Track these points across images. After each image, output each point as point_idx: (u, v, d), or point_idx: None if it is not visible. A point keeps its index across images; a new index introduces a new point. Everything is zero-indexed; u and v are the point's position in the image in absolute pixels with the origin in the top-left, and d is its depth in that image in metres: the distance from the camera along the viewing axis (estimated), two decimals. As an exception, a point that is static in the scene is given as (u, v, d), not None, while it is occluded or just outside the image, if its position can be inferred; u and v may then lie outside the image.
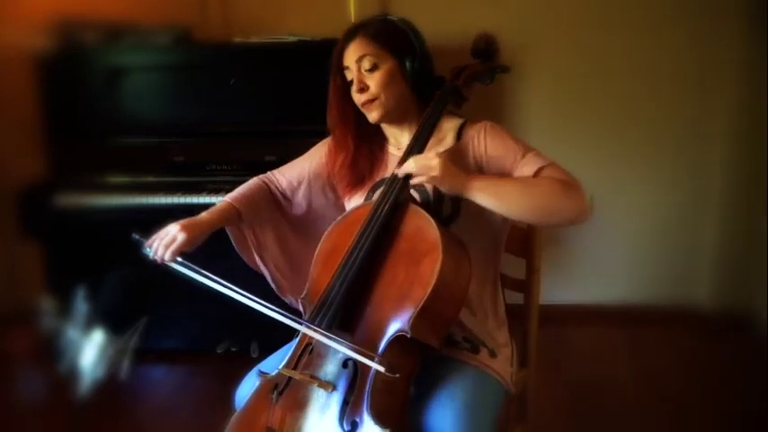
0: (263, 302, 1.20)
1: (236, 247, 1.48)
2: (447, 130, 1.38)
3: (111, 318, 2.42)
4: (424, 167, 1.19)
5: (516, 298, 1.56)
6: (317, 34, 2.52)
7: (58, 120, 2.52)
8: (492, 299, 1.40)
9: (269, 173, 1.55)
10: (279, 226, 1.52)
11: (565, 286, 2.97)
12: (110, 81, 2.50)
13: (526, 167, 1.27)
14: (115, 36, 2.55)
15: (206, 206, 2.34)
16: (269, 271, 1.51)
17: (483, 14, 2.73)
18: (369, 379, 1.14)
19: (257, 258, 1.49)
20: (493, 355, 1.35)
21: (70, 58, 2.49)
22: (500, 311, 1.43)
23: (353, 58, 1.33)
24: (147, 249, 1.31)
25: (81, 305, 2.39)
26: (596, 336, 2.84)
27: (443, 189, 1.22)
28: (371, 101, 1.33)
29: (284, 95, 2.51)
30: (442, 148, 1.35)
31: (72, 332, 2.40)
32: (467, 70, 1.38)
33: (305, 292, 1.33)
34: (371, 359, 1.13)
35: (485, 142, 1.33)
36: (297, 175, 1.51)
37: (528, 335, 1.59)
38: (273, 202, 1.52)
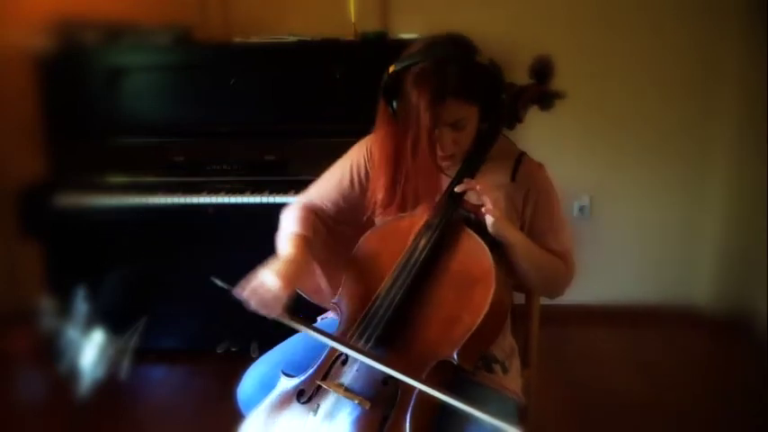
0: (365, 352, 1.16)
1: (310, 296, 1.43)
2: (501, 161, 1.35)
3: (111, 318, 2.42)
4: (491, 199, 1.20)
5: (517, 298, 1.56)
6: (317, 34, 2.52)
7: (58, 120, 2.52)
8: None
9: (305, 200, 1.45)
10: (336, 248, 1.44)
11: (565, 286, 2.97)
12: (110, 81, 2.50)
13: (554, 243, 1.35)
14: (115, 36, 2.55)
15: (206, 206, 2.39)
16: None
17: (484, 15, 2.73)
18: (412, 398, 1.12)
19: (323, 283, 1.43)
20: (505, 370, 1.34)
21: (70, 58, 2.49)
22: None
23: (446, 119, 1.23)
24: (239, 297, 1.21)
25: (81, 305, 2.39)
26: (597, 336, 2.84)
27: (490, 229, 1.22)
28: (452, 156, 1.30)
29: (284, 95, 2.51)
30: (495, 181, 1.32)
31: (72, 332, 2.40)
32: (526, 93, 1.37)
33: (338, 296, 1.30)
34: (421, 382, 1.10)
35: (538, 197, 1.35)
36: (343, 195, 1.43)
37: (529, 335, 1.59)
38: (326, 227, 1.44)
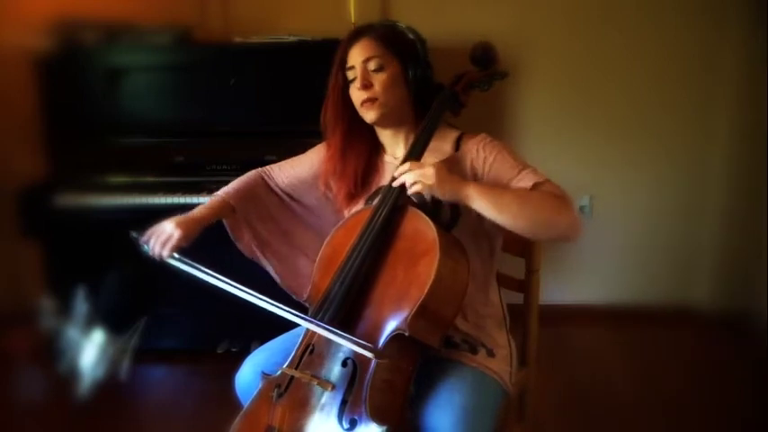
0: (260, 296, 1.22)
1: (233, 239, 1.50)
2: (444, 141, 1.39)
3: (111, 318, 2.42)
4: (419, 176, 1.21)
5: (516, 298, 1.56)
6: (317, 34, 2.52)
7: (58, 120, 2.52)
8: (486, 303, 1.41)
9: (267, 168, 1.56)
10: (280, 220, 1.53)
11: (564, 286, 2.97)
12: (110, 81, 2.50)
13: (522, 182, 1.28)
14: (115, 36, 2.55)
15: (206, 206, 2.38)
16: (271, 265, 1.53)
17: (484, 14, 2.73)
18: (367, 377, 1.16)
19: (258, 253, 1.51)
20: (491, 354, 1.36)
21: (70, 58, 2.49)
22: (497, 313, 1.44)
23: (360, 57, 1.34)
24: (145, 246, 1.34)
25: (81, 305, 2.39)
26: (596, 336, 2.84)
27: (440, 196, 1.22)
28: (373, 100, 1.33)
29: (284, 95, 2.51)
30: (439, 157, 1.36)
31: (72, 332, 2.40)
32: (465, 77, 1.39)
33: (306, 295, 1.35)
34: (368, 349, 1.15)
35: (483, 154, 1.33)
36: (297, 175, 1.53)
37: (528, 335, 1.59)
38: (273, 196, 1.54)
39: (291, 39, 2.54)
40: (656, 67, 2.80)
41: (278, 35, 2.57)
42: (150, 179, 2.44)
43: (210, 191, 2.37)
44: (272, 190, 1.54)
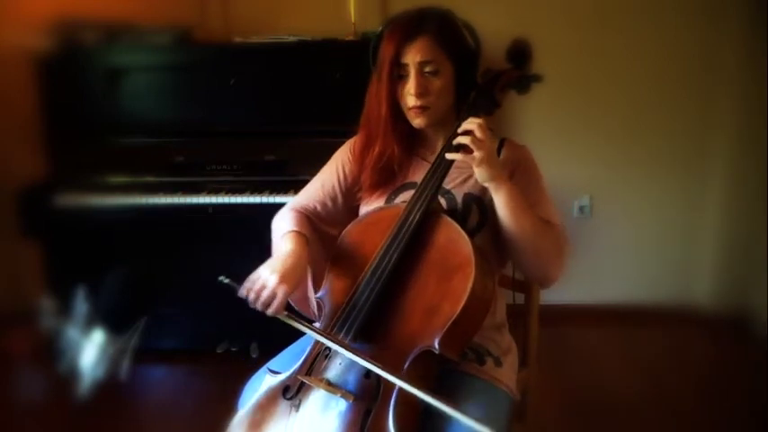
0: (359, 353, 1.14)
1: (296, 305, 1.38)
2: None
3: (111, 318, 2.42)
4: (478, 143, 1.16)
5: (517, 298, 1.56)
6: (317, 34, 2.52)
7: (58, 120, 2.52)
8: (493, 311, 1.39)
9: (295, 204, 1.43)
10: (321, 257, 1.41)
11: (565, 286, 2.96)
12: (110, 81, 2.50)
13: (542, 212, 1.29)
14: (115, 36, 2.55)
15: (206, 206, 2.39)
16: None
17: (485, 14, 2.72)
18: (395, 390, 1.12)
19: (313, 296, 1.37)
20: (498, 364, 1.34)
21: (70, 58, 2.49)
22: (498, 315, 1.43)
23: (417, 58, 1.25)
24: (243, 296, 1.21)
25: (81, 305, 2.39)
26: (596, 336, 2.84)
27: (477, 172, 1.19)
28: (424, 108, 1.28)
29: (284, 95, 2.51)
30: None
31: (72, 332, 2.40)
32: (503, 77, 1.33)
33: (322, 290, 1.28)
34: (401, 379, 1.09)
35: (524, 171, 1.34)
36: (330, 195, 1.42)
37: (528, 335, 1.59)
38: (315, 229, 1.41)
39: (291, 39, 2.53)
40: (656, 67, 2.80)
41: (278, 35, 2.56)
42: (150, 179, 2.45)
43: (210, 191, 2.40)
44: (311, 221, 1.41)
